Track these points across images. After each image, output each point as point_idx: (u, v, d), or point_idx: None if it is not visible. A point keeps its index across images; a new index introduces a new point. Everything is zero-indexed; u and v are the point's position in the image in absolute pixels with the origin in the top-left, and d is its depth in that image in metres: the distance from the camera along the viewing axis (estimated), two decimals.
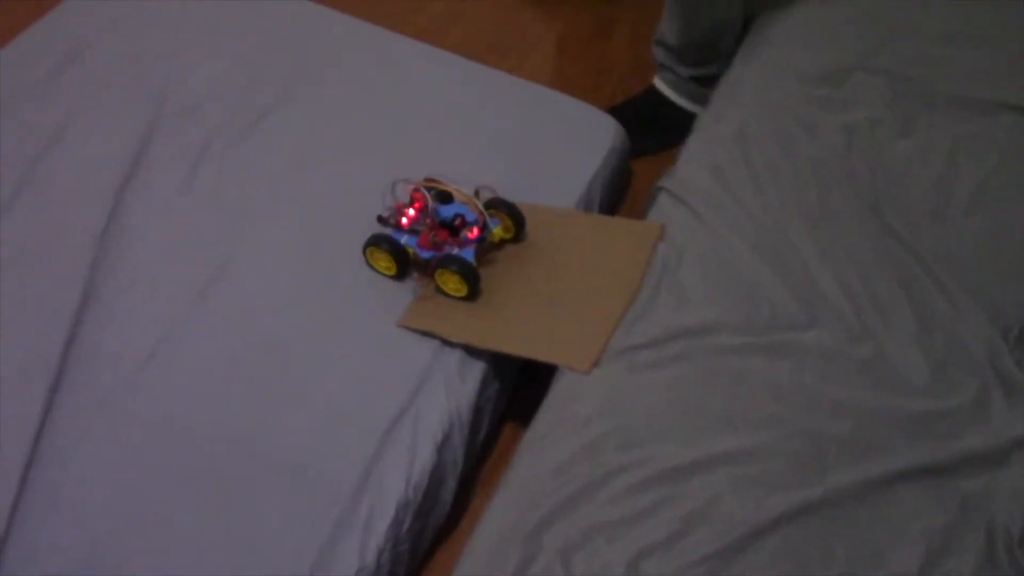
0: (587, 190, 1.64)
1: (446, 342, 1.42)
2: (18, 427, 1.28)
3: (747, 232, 1.43)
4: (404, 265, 1.48)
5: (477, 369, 1.42)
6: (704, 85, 1.86)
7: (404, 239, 1.48)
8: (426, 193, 1.48)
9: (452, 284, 1.45)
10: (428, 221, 1.47)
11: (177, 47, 1.80)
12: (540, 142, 1.71)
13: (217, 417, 1.33)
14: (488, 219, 1.48)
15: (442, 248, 1.46)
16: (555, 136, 1.72)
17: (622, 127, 1.77)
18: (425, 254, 1.47)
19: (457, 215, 1.48)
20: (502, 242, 1.52)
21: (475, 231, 1.47)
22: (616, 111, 1.83)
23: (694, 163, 1.56)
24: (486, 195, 1.51)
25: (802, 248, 1.41)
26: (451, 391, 1.38)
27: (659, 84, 1.95)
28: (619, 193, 1.80)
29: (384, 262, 1.48)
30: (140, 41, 1.80)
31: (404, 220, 1.48)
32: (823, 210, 1.46)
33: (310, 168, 1.63)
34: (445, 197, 1.51)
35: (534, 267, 1.49)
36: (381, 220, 1.50)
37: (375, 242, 1.47)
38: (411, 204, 1.48)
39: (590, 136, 1.74)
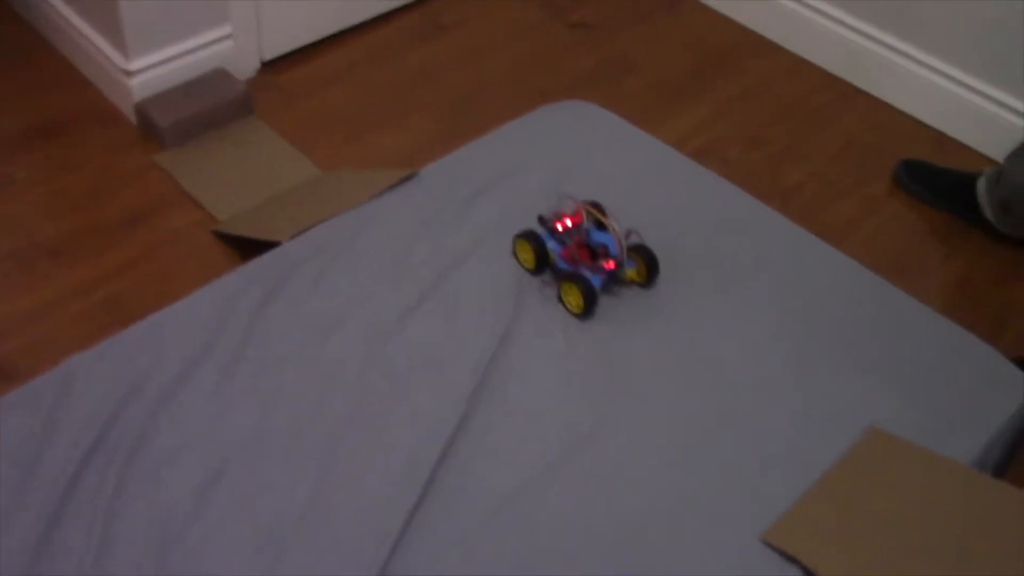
0: (984, 449, 1.49)
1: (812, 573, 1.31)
2: (375, 542, 1.29)
3: None
4: (543, 265, 1.65)
5: None
6: None
7: (551, 244, 1.65)
8: (585, 214, 1.64)
9: (573, 300, 1.60)
10: (577, 238, 1.63)
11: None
12: (935, 380, 1.57)
13: None
14: (626, 259, 1.63)
15: (577, 265, 1.62)
16: (955, 378, 1.59)
17: None
18: (562, 264, 1.64)
19: (603, 244, 1.62)
20: (631, 282, 1.67)
21: (611, 264, 1.61)
22: (1020, 363, 1.68)
23: None
24: (634, 239, 1.67)
25: None
26: None
27: None
28: (1015, 455, 1.63)
29: (526, 255, 1.66)
30: (561, 179, 1.86)
31: (559, 227, 1.64)
32: None
33: (697, 345, 1.60)
34: (600, 225, 1.65)
35: (915, 517, 1.36)
36: (541, 220, 1.67)
37: (526, 236, 1.65)
38: (571, 216, 1.64)
39: (996, 387, 1.58)
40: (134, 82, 2.06)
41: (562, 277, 1.62)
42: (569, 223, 1.64)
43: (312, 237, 1.73)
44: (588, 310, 1.59)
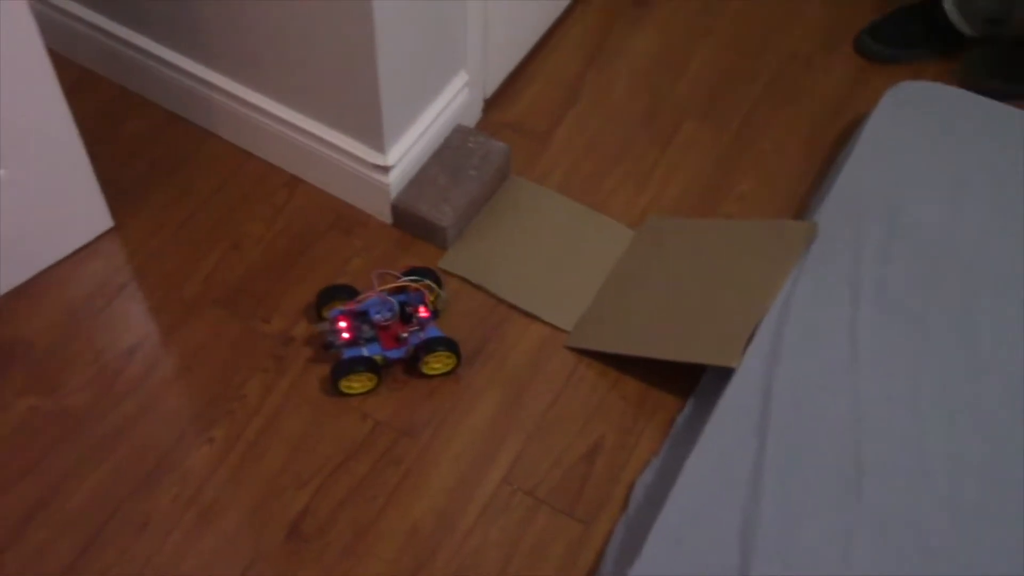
0: None
1: None
2: None
3: None
4: (379, 375, 1.49)
5: None
6: None
7: (365, 352, 1.48)
8: (345, 309, 1.49)
9: (442, 362, 1.50)
10: (378, 322, 1.48)
11: None
12: None
13: None
14: (435, 290, 1.52)
15: (407, 341, 1.48)
16: None
17: None
18: (394, 354, 1.49)
19: (402, 303, 1.49)
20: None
21: (422, 309, 1.49)
22: None
23: None
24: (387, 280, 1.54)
25: None
26: None
27: None
28: None
29: (361, 382, 1.48)
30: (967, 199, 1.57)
31: (345, 336, 1.48)
32: None
33: None
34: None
35: None
36: (330, 347, 1.49)
37: (350, 370, 1.46)
38: (335, 322, 1.48)
39: None
40: (391, 178, 1.62)
41: (408, 360, 1.50)
42: (344, 324, 1.48)
43: (754, 350, 1.42)
44: (460, 359, 1.50)
